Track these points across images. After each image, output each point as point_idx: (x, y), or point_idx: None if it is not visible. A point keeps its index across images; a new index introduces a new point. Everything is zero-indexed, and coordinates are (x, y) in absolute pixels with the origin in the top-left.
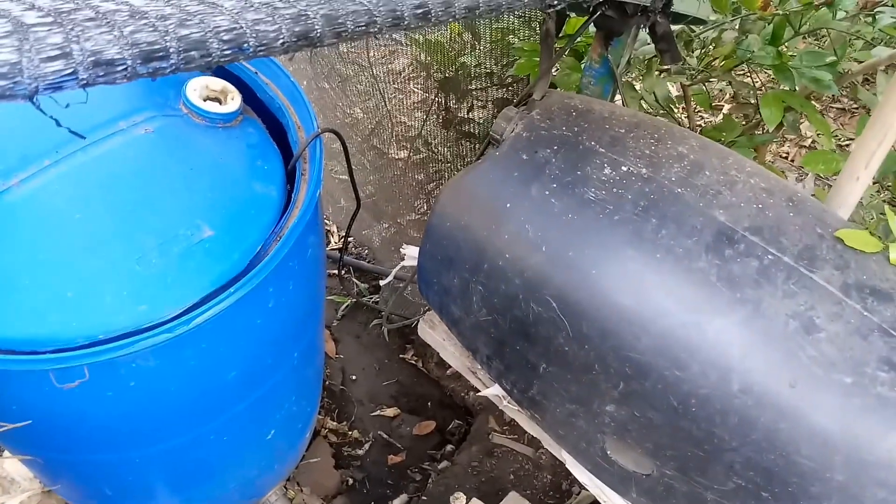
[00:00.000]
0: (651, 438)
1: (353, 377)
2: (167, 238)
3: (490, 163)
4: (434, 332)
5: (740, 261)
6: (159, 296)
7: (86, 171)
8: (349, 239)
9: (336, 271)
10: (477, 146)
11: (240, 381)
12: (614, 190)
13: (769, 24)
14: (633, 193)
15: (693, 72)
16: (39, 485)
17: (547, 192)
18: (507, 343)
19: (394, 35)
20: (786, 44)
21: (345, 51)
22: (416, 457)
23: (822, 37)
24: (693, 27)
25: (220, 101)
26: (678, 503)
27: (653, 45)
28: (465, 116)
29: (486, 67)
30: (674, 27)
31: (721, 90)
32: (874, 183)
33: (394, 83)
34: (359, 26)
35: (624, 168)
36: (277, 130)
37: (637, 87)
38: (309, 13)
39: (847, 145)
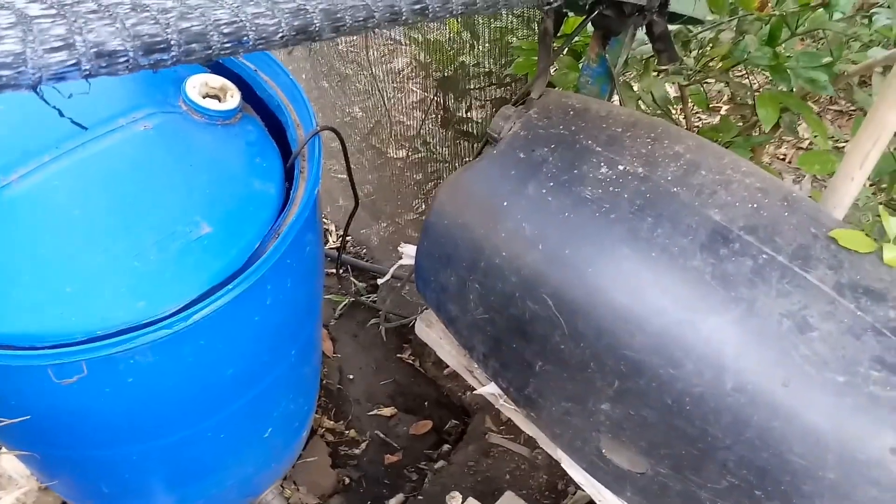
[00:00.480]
0: (645, 437)
1: (351, 376)
2: (166, 234)
3: (487, 161)
4: (431, 331)
5: (735, 260)
6: (158, 292)
7: (85, 168)
8: (347, 238)
9: (334, 270)
10: (475, 145)
11: (237, 378)
12: (610, 189)
13: (766, 25)
14: (630, 192)
15: (690, 72)
16: (36, 481)
17: (544, 191)
18: (503, 341)
19: (393, 35)
20: (782, 45)
21: (344, 50)
22: (413, 456)
23: (819, 38)
24: (690, 27)
25: (219, 99)
26: (673, 502)
27: (650, 45)
28: (464, 116)
29: (484, 67)
30: (671, 27)
31: (719, 91)
32: (871, 185)
33: (393, 82)
34: (357, 21)
35: (620, 167)
36: (276, 128)
37: (635, 87)
38: (308, 7)
39: (844, 147)
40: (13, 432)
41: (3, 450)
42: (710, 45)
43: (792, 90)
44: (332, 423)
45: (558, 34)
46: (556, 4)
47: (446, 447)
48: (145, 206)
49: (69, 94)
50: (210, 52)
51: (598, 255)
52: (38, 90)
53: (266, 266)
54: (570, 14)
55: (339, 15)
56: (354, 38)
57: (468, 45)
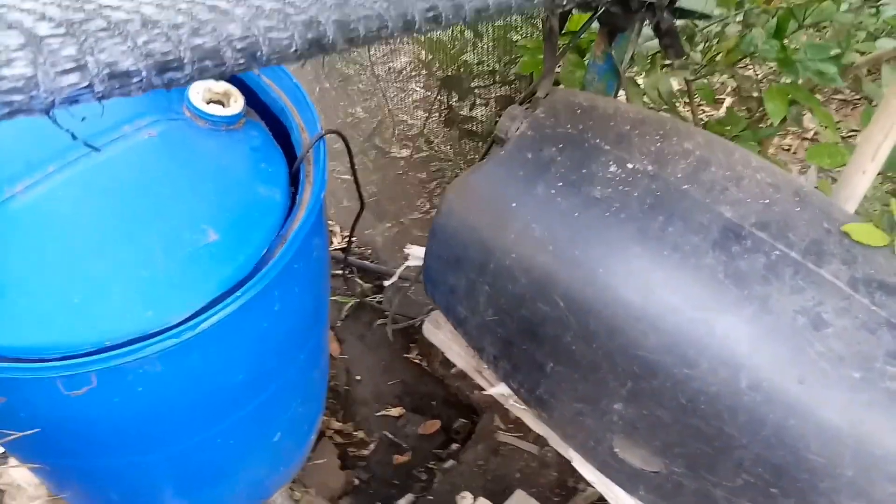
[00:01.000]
0: (660, 436)
1: (358, 377)
2: (172, 242)
3: (495, 162)
4: (440, 332)
5: (747, 257)
6: (165, 301)
7: (90, 177)
8: (352, 239)
9: (340, 272)
10: (479, 144)
11: (246, 384)
12: (620, 188)
13: (773, 18)
14: (640, 191)
15: (696, 66)
16: (46, 491)
17: (553, 191)
18: (514, 343)
19: None
20: (789, 37)
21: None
22: (422, 456)
23: (823, 28)
24: (696, 22)
25: (222, 104)
26: (687, 500)
27: (656, 41)
28: (468, 114)
29: (488, 65)
30: (677, 22)
31: (722, 83)
32: (879, 173)
33: (395, 82)
34: (370, 31)
35: (630, 165)
36: (281, 132)
37: (641, 83)
38: (321, 19)
39: (850, 137)
40: (24, 444)
41: (13, 462)
42: (717, 39)
43: (799, 82)
44: (340, 424)
45: (563, 32)
46: (567, 6)
47: (455, 446)
48: (151, 214)
49: (82, 117)
50: (224, 68)
51: (609, 255)
52: (50, 114)
53: (274, 272)
54: (576, 12)
55: (352, 26)
56: None
57: (471, 43)
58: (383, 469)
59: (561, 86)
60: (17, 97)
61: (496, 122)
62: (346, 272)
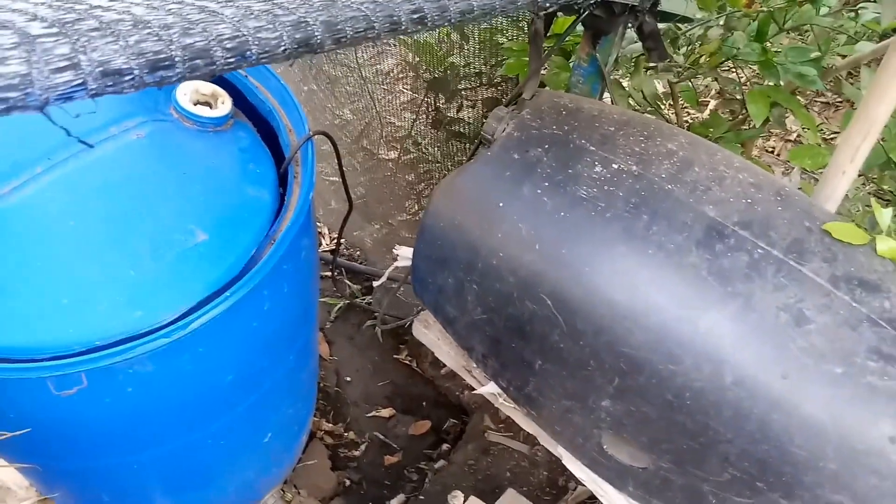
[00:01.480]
0: (647, 432)
1: (348, 379)
2: (161, 243)
3: (482, 163)
4: (429, 332)
5: (730, 255)
6: (155, 301)
7: (78, 178)
8: (341, 241)
9: (329, 273)
10: (467, 146)
11: (236, 385)
12: (605, 187)
13: (754, 21)
14: (624, 191)
15: (679, 69)
16: (36, 493)
17: (539, 191)
18: (502, 341)
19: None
20: (770, 40)
21: (332, 53)
22: (413, 457)
23: (806, 32)
24: (679, 25)
25: (210, 105)
26: (674, 496)
27: (640, 44)
28: (455, 116)
29: (474, 67)
30: (660, 25)
31: (706, 86)
32: (859, 175)
33: (382, 84)
34: (357, 32)
35: (615, 166)
36: (268, 134)
37: (625, 85)
38: (308, 20)
39: (832, 139)
40: (13, 445)
41: (2, 462)
42: (700, 42)
43: (780, 85)
44: (330, 425)
45: (549, 35)
46: (550, 8)
47: (446, 447)
48: (140, 215)
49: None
50: (214, 67)
51: (595, 254)
52: (44, 111)
53: (263, 272)
54: (560, 14)
55: (339, 27)
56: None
57: (457, 45)
58: (374, 470)
59: (547, 88)
60: (12, 94)
61: (483, 123)
62: (335, 274)
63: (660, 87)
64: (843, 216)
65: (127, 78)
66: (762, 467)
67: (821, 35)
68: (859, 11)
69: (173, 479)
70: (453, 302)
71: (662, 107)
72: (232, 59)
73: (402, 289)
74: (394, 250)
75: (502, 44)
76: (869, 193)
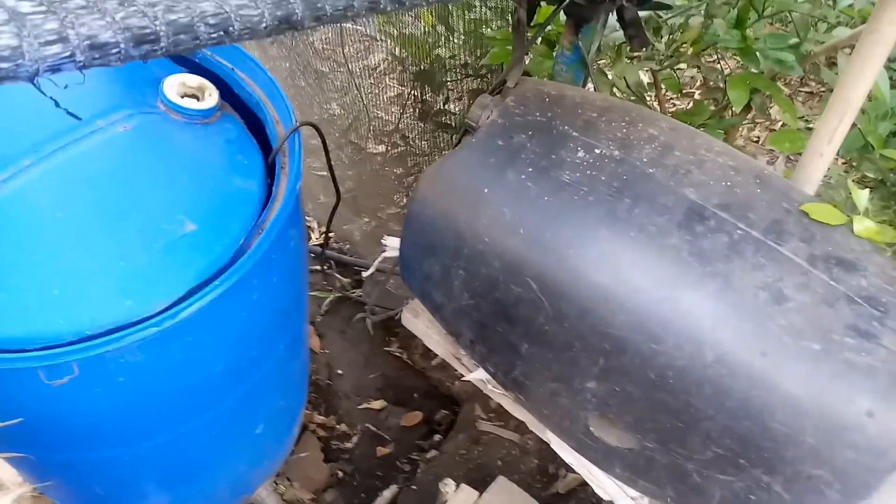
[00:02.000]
0: (631, 412)
1: (339, 371)
2: (150, 234)
3: (467, 150)
4: (418, 321)
5: (710, 236)
6: (145, 291)
7: (67, 171)
8: (331, 234)
9: (319, 266)
10: (454, 137)
11: (227, 375)
12: (588, 172)
13: (734, 9)
14: (607, 175)
15: (662, 57)
16: (28, 486)
17: (523, 177)
18: (489, 326)
19: (368, 30)
20: (751, 28)
21: (320, 47)
22: (405, 447)
23: (789, 21)
24: (661, 13)
25: (197, 98)
26: (660, 475)
27: (622, 32)
28: (442, 108)
29: (460, 59)
30: (641, 13)
31: (692, 77)
32: (844, 163)
33: (370, 78)
34: (337, 10)
35: (597, 151)
36: (256, 125)
37: (609, 74)
38: None
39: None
40: (6, 436)
41: None
42: (681, 29)
43: (762, 72)
44: (322, 418)
45: (532, 24)
46: None
47: (437, 437)
48: (128, 206)
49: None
50: (198, 42)
51: (578, 238)
52: (35, 82)
53: (251, 261)
54: (543, 3)
55: (319, 4)
56: (330, 34)
57: (443, 37)
58: (366, 461)
59: (532, 76)
60: (4, 65)
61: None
62: (326, 267)
63: (645, 77)
64: (821, 200)
65: (113, 51)
66: (744, 444)
67: (800, 22)
68: None
69: (165, 471)
70: (440, 288)
71: (647, 96)
72: (215, 35)
73: (391, 280)
74: (382, 241)
75: (487, 35)
76: (854, 181)
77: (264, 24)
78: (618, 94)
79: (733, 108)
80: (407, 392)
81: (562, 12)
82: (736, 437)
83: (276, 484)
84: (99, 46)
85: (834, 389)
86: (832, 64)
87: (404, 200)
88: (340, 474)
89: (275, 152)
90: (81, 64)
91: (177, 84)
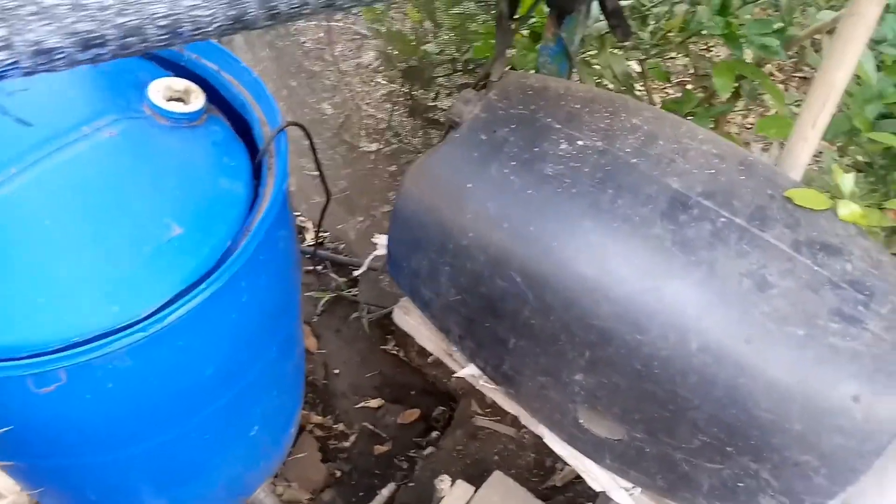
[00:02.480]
0: (619, 403)
1: (336, 371)
2: (137, 238)
3: (450, 145)
4: (409, 318)
5: (694, 225)
6: (132, 296)
7: (52, 178)
8: (324, 234)
9: (313, 267)
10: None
11: (218, 377)
12: (571, 164)
13: None
14: (590, 166)
15: (647, 46)
16: (24, 494)
17: (506, 170)
18: (476, 320)
19: (358, 28)
20: (737, 14)
21: (310, 47)
22: (402, 445)
23: (777, 8)
24: (644, 2)
25: (183, 101)
26: (649, 465)
27: (605, 22)
28: (431, 104)
29: (448, 54)
30: (624, 2)
31: (685, 66)
32: (837, 149)
33: (360, 76)
34: (292, 7)
35: (580, 142)
36: (243, 127)
37: (597, 65)
38: None
39: None
40: None
41: None
42: (666, 17)
43: (746, 58)
44: (320, 418)
45: (515, 16)
46: None
47: (435, 434)
48: (115, 211)
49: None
50: (147, 44)
51: (562, 230)
52: None
53: (238, 263)
54: None
55: (273, 3)
56: (320, 33)
57: (431, 34)
58: (364, 460)
59: (517, 69)
60: None
61: None
62: (320, 267)
63: (636, 66)
64: (812, 186)
65: (58, 56)
66: (730, 432)
67: (786, 6)
68: None
69: (159, 475)
70: (428, 284)
71: (635, 85)
72: (165, 36)
73: (386, 279)
74: (373, 239)
75: (475, 30)
76: (847, 164)
77: (217, 24)
78: (604, 85)
79: (721, 96)
80: (404, 389)
81: (544, 4)
82: (722, 426)
83: (275, 485)
84: (44, 52)
85: (819, 375)
86: (820, 48)
87: None
88: (338, 474)
89: (261, 153)
90: (27, 70)
91: (162, 88)
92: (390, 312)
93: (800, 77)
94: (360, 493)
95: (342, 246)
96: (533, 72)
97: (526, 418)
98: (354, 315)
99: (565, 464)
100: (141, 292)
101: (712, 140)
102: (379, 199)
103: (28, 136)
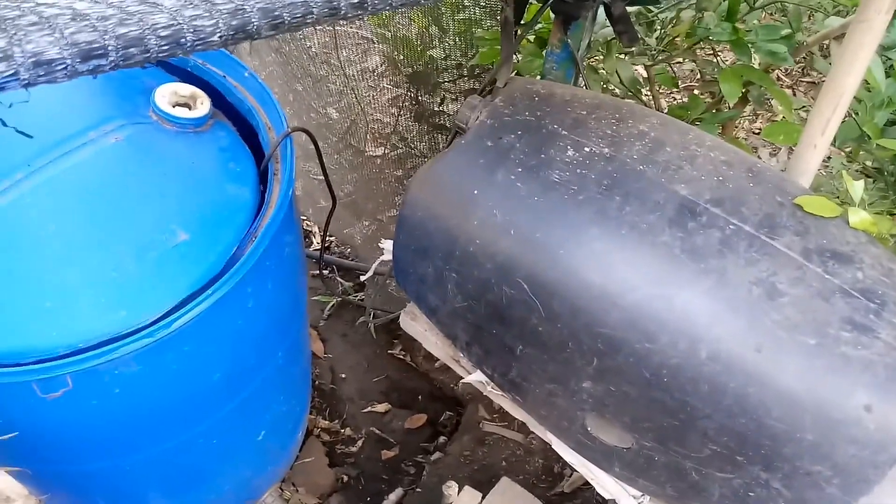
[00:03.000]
0: (628, 412)
1: (343, 376)
2: (143, 244)
3: (456, 151)
4: (416, 324)
5: (703, 232)
6: (138, 301)
7: (58, 183)
8: (330, 238)
9: (320, 272)
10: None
11: (225, 383)
12: (578, 171)
13: (725, 1)
14: (597, 173)
15: (653, 52)
16: (35, 500)
17: (512, 177)
18: (483, 328)
19: (364, 32)
20: (744, 20)
21: (316, 52)
22: (410, 450)
23: (785, 13)
24: (651, 7)
25: (189, 107)
26: (659, 474)
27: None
28: (437, 109)
29: (453, 59)
30: (630, 8)
31: (692, 70)
32: (847, 154)
33: (366, 81)
34: (295, 17)
35: (586, 149)
36: (248, 132)
37: (603, 71)
38: (246, 7)
39: None
40: (3, 450)
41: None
42: (673, 23)
43: (754, 64)
44: (327, 422)
45: (520, 22)
46: None
47: (442, 439)
48: (121, 217)
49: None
50: (148, 55)
51: (569, 237)
52: None
53: (244, 269)
54: (533, 1)
55: (277, 13)
56: (325, 38)
57: (436, 38)
58: (372, 465)
59: (525, 76)
60: None
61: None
62: (326, 271)
63: (643, 71)
64: (823, 192)
65: (59, 67)
66: (741, 441)
67: (794, 12)
68: None
69: (167, 480)
70: (434, 291)
71: (642, 91)
72: (166, 47)
73: (392, 283)
74: (380, 244)
75: (477, 35)
76: (857, 171)
77: (219, 35)
78: (610, 91)
79: (728, 102)
80: (411, 394)
81: (551, 10)
82: (733, 435)
83: (282, 490)
84: (44, 63)
85: (831, 384)
86: (828, 54)
87: None
88: (346, 479)
89: (267, 159)
90: (26, 81)
91: (168, 93)
92: (397, 317)
93: (807, 82)
94: (368, 499)
95: (349, 250)
96: (539, 78)
97: (534, 425)
98: (361, 319)
99: (574, 470)
100: (147, 298)
101: (720, 146)
102: (385, 204)
103: (34, 141)
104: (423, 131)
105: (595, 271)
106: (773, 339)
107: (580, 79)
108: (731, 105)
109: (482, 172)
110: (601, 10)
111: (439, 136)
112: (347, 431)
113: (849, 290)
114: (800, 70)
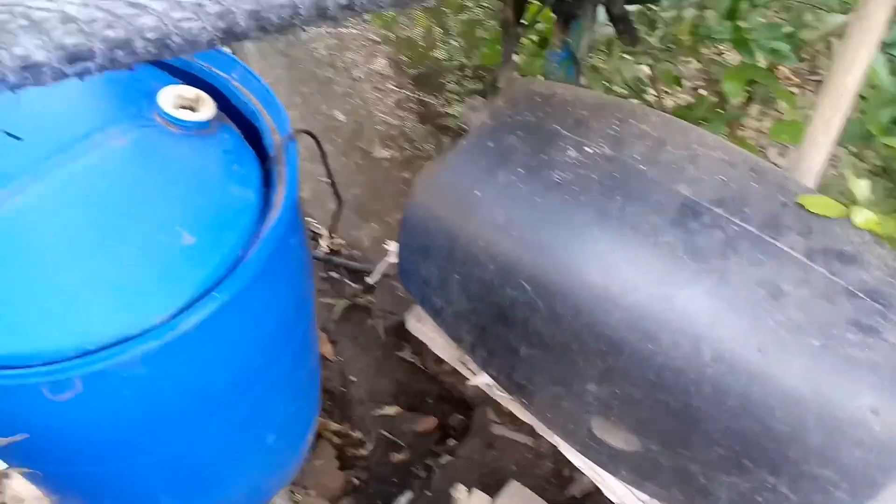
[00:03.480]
0: (633, 414)
1: (353, 378)
2: (149, 247)
3: (458, 153)
4: (423, 326)
5: (705, 232)
6: (144, 304)
7: (64, 187)
8: (337, 240)
9: (328, 274)
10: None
11: (233, 385)
12: (579, 171)
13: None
14: (598, 173)
15: (655, 51)
16: (46, 502)
17: (514, 178)
18: (487, 329)
19: (369, 35)
20: (746, 18)
21: (322, 55)
22: (420, 453)
23: (791, 11)
24: (653, 6)
25: (193, 109)
26: (665, 477)
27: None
28: (442, 110)
29: (457, 60)
30: (631, 7)
31: (697, 70)
32: (852, 154)
33: (373, 83)
34: (283, 19)
35: (588, 149)
36: (253, 135)
37: (605, 69)
38: (233, 9)
39: None
40: (15, 452)
41: (9, 470)
42: (675, 22)
43: (757, 62)
44: (337, 425)
45: (521, 22)
46: None
47: (452, 442)
48: (126, 220)
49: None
50: (135, 57)
51: (571, 237)
52: None
53: (250, 271)
54: (533, 1)
55: (264, 14)
56: (331, 40)
57: (439, 40)
58: (382, 468)
59: (527, 76)
60: None
61: None
62: (335, 274)
63: (647, 70)
64: (833, 194)
65: (45, 70)
66: (746, 444)
67: (796, 10)
68: None
69: (176, 482)
70: (439, 292)
71: (645, 91)
72: (153, 49)
73: (400, 286)
74: (385, 246)
75: (479, 36)
76: (867, 170)
77: (206, 37)
78: (612, 91)
79: (732, 101)
80: (421, 397)
81: (552, 10)
82: (738, 437)
83: (293, 492)
84: (31, 66)
85: (836, 386)
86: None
87: None
88: (356, 481)
89: (271, 161)
90: (14, 84)
91: (173, 96)
92: (403, 318)
93: (816, 81)
94: (378, 502)
95: (357, 253)
96: (540, 78)
97: (541, 427)
98: (370, 322)
99: (583, 474)
100: (154, 301)
101: (722, 146)
102: (393, 206)
103: (39, 145)
104: (428, 132)
105: (597, 272)
106: (776, 340)
107: (582, 78)
108: (736, 104)
109: (484, 173)
110: (601, 9)
111: (445, 137)
112: (357, 434)
113: (854, 290)
114: (808, 69)
